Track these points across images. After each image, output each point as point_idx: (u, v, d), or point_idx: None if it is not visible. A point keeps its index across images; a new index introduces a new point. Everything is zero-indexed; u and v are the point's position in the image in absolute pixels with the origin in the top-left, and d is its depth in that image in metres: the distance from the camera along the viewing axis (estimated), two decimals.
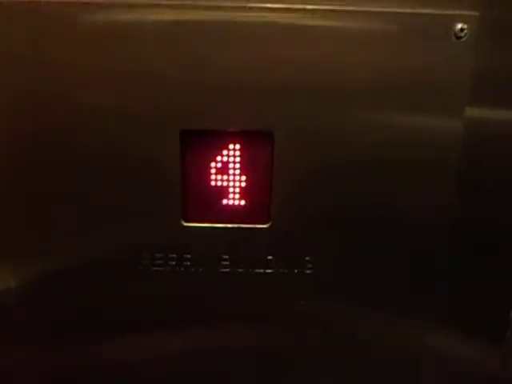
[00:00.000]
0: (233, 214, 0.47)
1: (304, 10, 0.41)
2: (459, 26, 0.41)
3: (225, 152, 0.46)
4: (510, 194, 0.47)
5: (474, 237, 0.48)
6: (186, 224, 0.47)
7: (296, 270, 0.48)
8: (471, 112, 0.44)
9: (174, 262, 0.48)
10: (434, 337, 0.50)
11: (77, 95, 0.42)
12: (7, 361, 0.51)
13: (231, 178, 0.46)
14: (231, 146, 0.46)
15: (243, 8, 0.41)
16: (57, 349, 0.51)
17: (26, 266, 0.48)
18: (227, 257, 0.48)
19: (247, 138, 0.45)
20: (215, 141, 0.45)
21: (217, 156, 0.46)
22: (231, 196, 0.47)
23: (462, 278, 0.50)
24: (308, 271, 0.48)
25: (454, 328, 0.51)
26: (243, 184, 0.47)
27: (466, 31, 0.41)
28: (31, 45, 0.41)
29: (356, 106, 0.43)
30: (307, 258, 0.48)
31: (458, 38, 0.41)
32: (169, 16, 0.41)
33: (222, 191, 0.47)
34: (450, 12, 0.41)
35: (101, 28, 0.41)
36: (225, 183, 0.47)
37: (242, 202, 0.47)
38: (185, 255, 0.48)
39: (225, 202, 0.47)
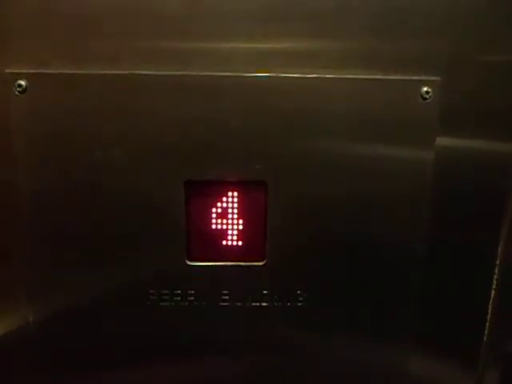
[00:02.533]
0: (232, 253, 0.51)
1: (293, 77, 0.46)
2: (424, 89, 0.47)
3: (224, 199, 0.50)
4: (481, 221, 0.51)
5: (447, 263, 0.52)
6: (190, 263, 0.50)
7: (289, 303, 0.52)
8: (441, 144, 0.49)
9: (178, 298, 0.51)
10: (412, 362, 0.54)
11: (95, 149, 0.47)
12: None
13: (230, 221, 0.50)
14: (230, 194, 0.50)
15: (239, 76, 0.46)
16: (71, 381, 0.54)
17: (42, 302, 0.51)
18: (227, 292, 0.51)
19: (244, 187, 0.49)
20: (215, 189, 0.49)
21: (217, 203, 0.50)
22: (230, 237, 0.51)
23: (437, 305, 0.53)
24: (299, 304, 0.52)
25: (430, 354, 0.55)
26: (241, 227, 0.51)
27: (430, 93, 0.47)
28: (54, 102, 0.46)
29: (340, 153, 0.48)
30: (298, 292, 0.51)
31: (424, 98, 0.47)
32: (173, 82, 0.46)
33: (222, 233, 0.51)
34: (417, 78, 0.47)
35: (114, 89, 0.46)
36: (224, 226, 0.51)
37: (240, 243, 0.51)
38: (189, 291, 0.51)
39: (224, 242, 0.51)
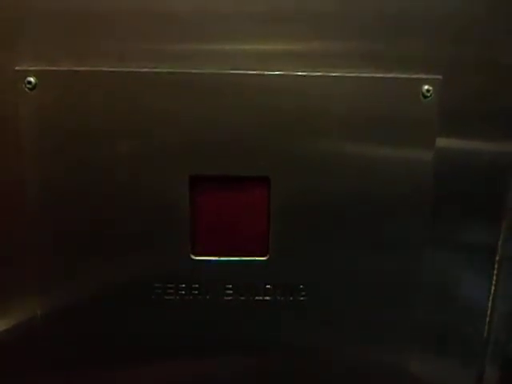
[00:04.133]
0: (235, 248, 0.52)
1: (295, 75, 0.47)
2: (426, 87, 0.48)
3: (228, 194, 0.50)
4: (480, 220, 0.52)
5: (448, 261, 0.53)
6: (194, 257, 0.51)
7: (291, 298, 0.52)
8: (441, 143, 0.49)
9: (183, 292, 0.52)
10: (414, 359, 0.55)
11: (102, 145, 0.48)
12: None
13: (233, 216, 0.51)
14: (233, 189, 0.50)
15: (243, 74, 0.47)
16: (79, 375, 0.55)
17: (49, 296, 0.52)
18: (231, 286, 0.52)
19: (247, 182, 0.50)
20: (220, 185, 0.50)
21: (221, 197, 0.51)
22: (234, 232, 0.51)
23: (440, 299, 0.54)
24: (302, 298, 0.52)
25: (431, 349, 0.56)
26: (244, 222, 0.51)
27: (431, 92, 0.48)
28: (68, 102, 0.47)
29: (341, 150, 0.49)
30: (301, 287, 0.52)
31: (425, 97, 0.48)
32: (180, 80, 0.47)
33: (226, 228, 0.51)
34: (418, 76, 0.48)
35: (121, 86, 0.47)
36: (228, 221, 0.51)
37: (243, 238, 0.52)
38: (193, 285, 0.52)
39: (228, 237, 0.52)
